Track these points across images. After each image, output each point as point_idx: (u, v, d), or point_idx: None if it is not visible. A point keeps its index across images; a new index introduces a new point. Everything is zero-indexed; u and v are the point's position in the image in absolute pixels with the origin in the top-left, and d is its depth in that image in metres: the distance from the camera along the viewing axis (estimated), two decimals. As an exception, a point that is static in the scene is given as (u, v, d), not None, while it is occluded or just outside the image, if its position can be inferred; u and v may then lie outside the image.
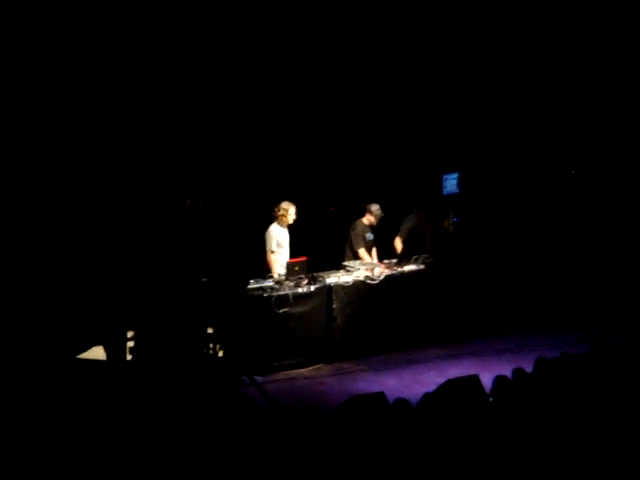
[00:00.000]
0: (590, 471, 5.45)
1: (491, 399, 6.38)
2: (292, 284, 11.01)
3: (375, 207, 12.39)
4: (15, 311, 10.43)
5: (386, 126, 14.22)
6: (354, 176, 14.03)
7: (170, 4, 11.32)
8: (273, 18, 12.61)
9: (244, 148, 13.09)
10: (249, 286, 10.85)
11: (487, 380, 6.81)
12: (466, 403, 6.04)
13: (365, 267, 11.82)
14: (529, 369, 6.98)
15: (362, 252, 12.28)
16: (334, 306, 11.29)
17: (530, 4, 13.66)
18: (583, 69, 13.97)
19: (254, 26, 12.40)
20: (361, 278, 11.59)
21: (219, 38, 11.84)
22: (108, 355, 10.49)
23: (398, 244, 12.76)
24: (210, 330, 10.69)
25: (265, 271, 11.28)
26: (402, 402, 5.87)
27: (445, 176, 13.59)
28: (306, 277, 11.19)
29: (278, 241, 11.51)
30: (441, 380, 6.79)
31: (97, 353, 10.56)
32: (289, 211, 11.52)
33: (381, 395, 5.97)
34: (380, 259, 12.40)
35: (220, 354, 10.64)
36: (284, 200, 11.59)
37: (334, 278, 11.45)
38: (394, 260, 12.27)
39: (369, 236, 12.47)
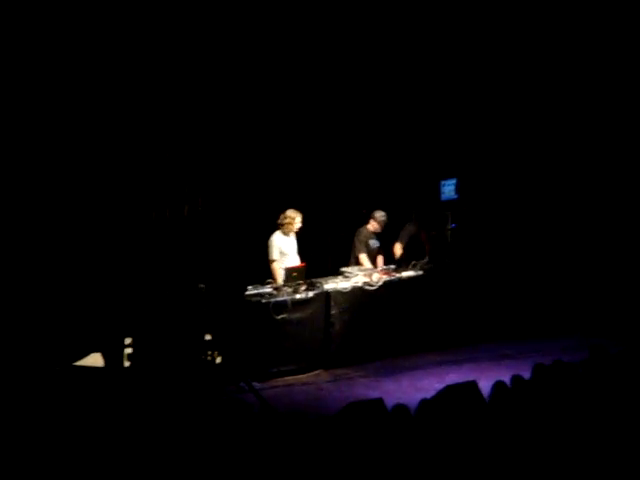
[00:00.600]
0: (588, 477, 5.45)
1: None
2: (290, 290, 11.00)
3: (379, 214, 12.41)
4: (13, 317, 10.43)
5: (384, 132, 14.22)
6: (353, 182, 14.03)
7: (164, 7, 11.31)
8: (273, 25, 12.61)
9: (244, 155, 13.08)
10: (247, 292, 10.84)
11: (485, 386, 6.81)
12: (464, 409, 6.03)
13: (363, 273, 11.82)
14: (527, 375, 6.98)
15: (363, 258, 12.29)
16: (332, 312, 11.28)
17: (528, 9, 13.67)
18: (581, 75, 13.95)
19: (254, 31, 12.40)
20: (359, 284, 11.58)
21: (219, 43, 11.87)
22: (106, 362, 10.48)
23: (398, 250, 12.78)
24: (208, 336, 10.67)
25: (270, 278, 11.27)
26: (401, 408, 5.87)
27: (443, 182, 13.60)
28: (304, 283, 11.19)
29: (281, 249, 11.51)
30: (440, 386, 6.79)
31: (95, 360, 10.54)
32: (295, 219, 11.53)
33: (380, 401, 5.96)
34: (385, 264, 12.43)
35: (218, 360, 10.62)
36: (288, 208, 11.61)
37: (332, 284, 11.44)
38: (392, 266, 12.27)
39: (374, 243, 12.48)
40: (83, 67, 11.18)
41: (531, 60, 13.98)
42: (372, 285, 11.61)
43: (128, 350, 10.51)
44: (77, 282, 11.04)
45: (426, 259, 12.44)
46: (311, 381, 10.80)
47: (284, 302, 10.84)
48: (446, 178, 13.79)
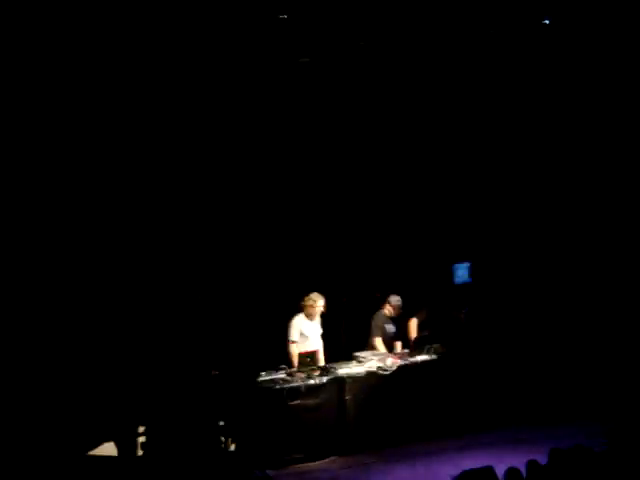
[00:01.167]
0: None
1: None
2: (304, 376, 10.98)
3: (394, 298, 12.43)
4: (24, 405, 10.41)
5: (398, 216, 14.27)
6: (366, 266, 14.05)
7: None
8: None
9: (258, 239, 13.13)
10: (261, 378, 10.83)
11: (503, 471, 6.73)
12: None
13: (377, 357, 11.80)
14: (543, 461, 6.91)
15: (378, 342, 12.28)
16: (346, 397, 11.21)
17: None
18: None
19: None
20: (373, 369, 11.53)
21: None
22: (119, 451, 10.42)
23: (413, 327, 12.69)
24: (222, 423, 10.62)
25: (284, 364, 11.25)
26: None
27: (456, 265, 13.63)
28: (318, 369, 11.16)
29: (302, 332, 11.55)
30: (455, 472, 6.73)
31: (108, 449, 10.48)
32: (317, 302, 11.59)
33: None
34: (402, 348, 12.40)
35: (232, 447, 10.56)
36: (303, 292, 11.67)
37: (346, 369, 11.41)
38: (406, 350, 12.25)
39: (390, 327, 12.47)
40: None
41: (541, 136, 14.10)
42: (386, 370, 11.56)
43: (141, 438, 10.47)
44: (87, 370, 11.02)
45: (440, 343, 12.37)
46: (325, 467, 10.71)
47: (298, 388, 10.81)
48: (459, 261, 13.83)
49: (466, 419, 12.02)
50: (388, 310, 12.46)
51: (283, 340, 11.65)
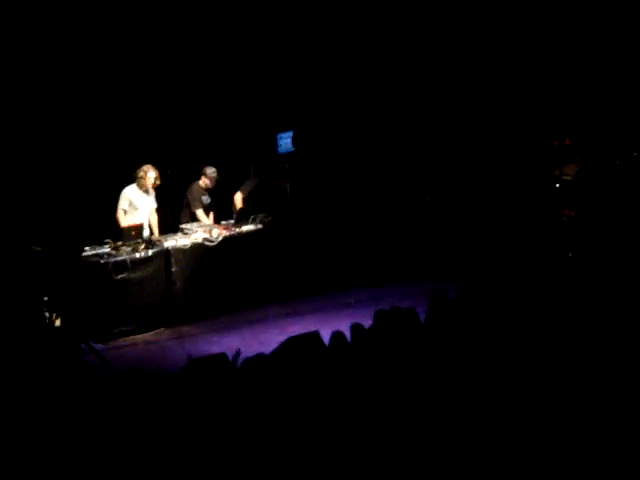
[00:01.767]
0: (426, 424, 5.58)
1: None
2: (129, 249, 10.87)
3: (210, 170, 12.32)
4: None
5: (219, 87, 14.04)
6: (190, 138, 13.84)
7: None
8: None
9: (86, 107, 12.75)
10: (85, 253, 10.67)
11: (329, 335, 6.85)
12: (307, 360, 6.07)
13: (203, 229, 11.77)
14: (369, 322, 7.06)
15: (200, 213, 12.21)
16: (173, 270, 11.21)
17: None
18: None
19: None
20: (199, 240, 11.52)
21: None
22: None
23: (238, 200, 12.67)
24: (46, 299, 10.45)
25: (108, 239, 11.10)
26: (248, 362, 5.85)
27: (280, 135, 13.61)
28: (143, 242, 11.07)
29: (132, 202, 11.46)
30: (283, 338, 6.81)
31: None
32: (148, 174, 11.43)
33: (222, 356, 5.94)
34: (218, 221, 12.36)
35: (58, 323, 10.43)
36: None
37: (172, 242, 11.37)
38: (232, 221, 12.25)
39: (206, 199, 12.38)
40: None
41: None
42: (212, 241, 11.56)
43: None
44: None
45: (265, 213, 12.42)
46: (154, 340, 10.74)
47: (123, 262, 10.72)
48: (283, 131, 13.80)
49: (293, 287, 12.22)
50: (204, 182, 12.35)
51: (109, 214, 11.50)
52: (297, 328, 9.77)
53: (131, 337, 10.71)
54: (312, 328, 7.32)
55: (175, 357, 9.80)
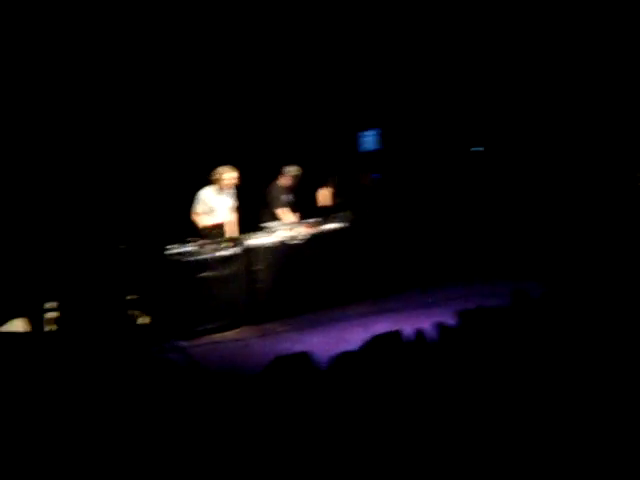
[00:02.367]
0: (510, 418, 5.50)
1: None
2: (212, 248, 10.93)
3: (289, 168, 12.34)
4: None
5: (302, 87, 14.09)
6: (272, 137, 13.91)
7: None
8: None
9: (166, 111, 12.90)
10: (170, 251, 10.75)
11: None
12: (389, 358, 6.05)
13: (285, 227, 11.78)
14: (451, 321, 7.01)
15: (280, 212, 12.24)
16: (255, 268, 11.23)
17: None
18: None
19: None
20: (282, 239, 11.54)
21: None
22: (29, 327, 10.32)
23: (322, 197, 12.69)
24: (131, 297, 10.57)
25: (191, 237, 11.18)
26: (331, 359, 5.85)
27: (362, 133, 13.58)
28: (227, 240, 11.13)
29: (209, 204, 11.54)
30: (366, 336, 6.79)
31: (18, 326, 10.36)
32: (224, 175, 11.48)
33: (305, 355, 5.93)
34: (302, 219, 12.37)
35: (143, 321, 10.53)
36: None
37: (254, 240, 11.39)
38: (315, 219, 12.25)
39: (287, 198, 12.40)
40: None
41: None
42: (295, 239, 11.57)
43: (51, 314, 10.37)
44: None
45: (348, 211, 12.41)
46: (237, 337, 10.75)
47: (206, 260, 10.78)
48: (366, 129, 13.77)
49: (377, 285, 12.17)
50: (284, 181, 12.38)
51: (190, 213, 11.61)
52: (381, 326, 9.74)
53: (215, 335, 10.75)
54: (395, 326, 7.31)
55: (259, 355, 9.80)
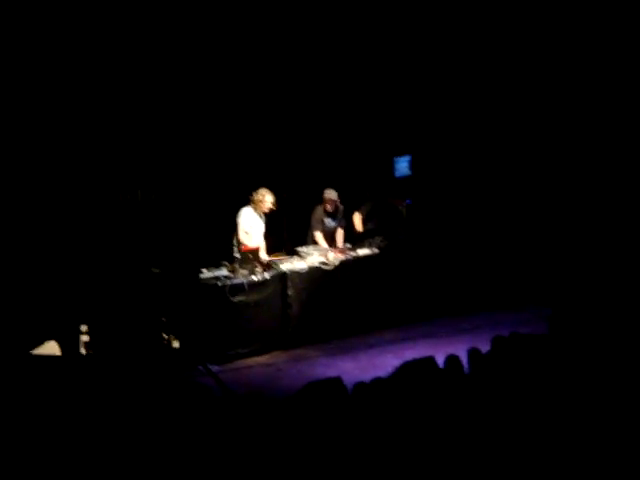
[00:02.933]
0: (549, 446, 5.46)
1: None
2: (246, 272, 10.96)
3: (326, 192, 12.34)
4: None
5: (337, 113, 14.14)
6: (307, 162, 13.95)
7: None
8: None
9: (199, 137, 12.97)
10: (203, 275, 10.79)
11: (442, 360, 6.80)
12: (421, 384, 6.03)
13: (319, 252, 11.80)
14: (485, 348, 6.98)
15: (318, 236, 12.29)
16: (289, 293, 11.25)
17: None
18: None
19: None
20: (316, 264, 11.56)
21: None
22: (62, 349, 10.37)
23: (356, 222, 12.74)
24: (164, 320, 10.60)
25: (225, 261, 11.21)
26: (361, 386, 5.84)
27: (396, 159, 13.59)
28: (260, 265, 11.16)
29: (249, 225, 11.51)
30: (397, 362, 6.78)
31: (51, 348, 10.42)
32: (266, 197, 11.48)
33: (337, 380, 5.93)
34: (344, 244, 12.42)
35: (175, 345, 10.56)
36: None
37: (288, 264, 11.41)
38: (348, 245, 12.29)
39: (329, 222, 12.43)
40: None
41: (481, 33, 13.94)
42: (328, 265, 11.59)
43: (84, 337, 10.42)
44: (30, 268, 10.91)
45: (381, 236, 12.43)
46: (269, 362, 10.77)
47: (240, 284, 10.81)
48: (400, 155, 13.77)
49: (408, 311, 12.15)
50: (325, 205, 12.41)
51: (225, 238, 11.61)
52: (412, 353, 9.69)
53: (247, 359, 10.78)
54: (426, 353, 7.28)
55: (291, 380, 9.82)
